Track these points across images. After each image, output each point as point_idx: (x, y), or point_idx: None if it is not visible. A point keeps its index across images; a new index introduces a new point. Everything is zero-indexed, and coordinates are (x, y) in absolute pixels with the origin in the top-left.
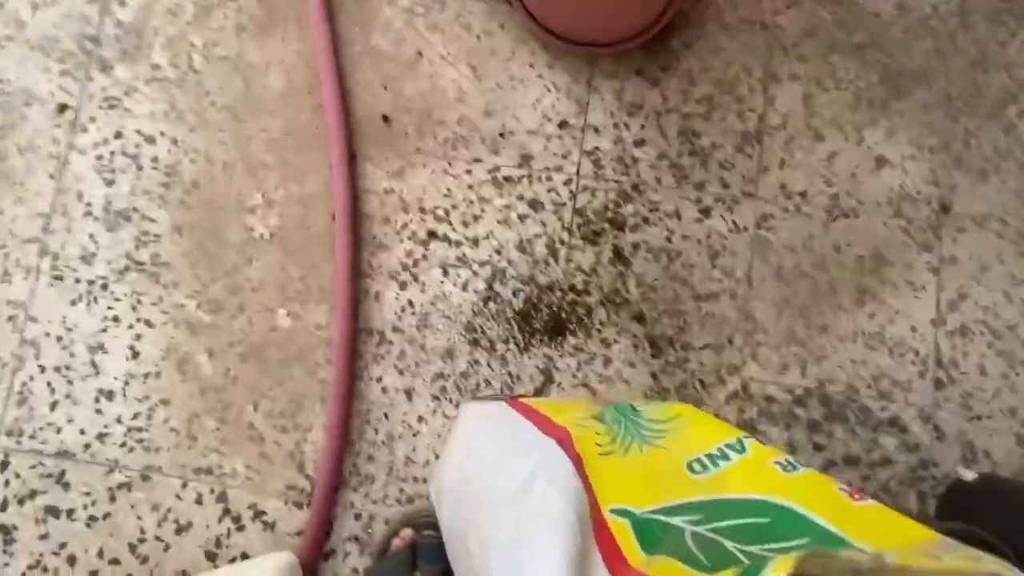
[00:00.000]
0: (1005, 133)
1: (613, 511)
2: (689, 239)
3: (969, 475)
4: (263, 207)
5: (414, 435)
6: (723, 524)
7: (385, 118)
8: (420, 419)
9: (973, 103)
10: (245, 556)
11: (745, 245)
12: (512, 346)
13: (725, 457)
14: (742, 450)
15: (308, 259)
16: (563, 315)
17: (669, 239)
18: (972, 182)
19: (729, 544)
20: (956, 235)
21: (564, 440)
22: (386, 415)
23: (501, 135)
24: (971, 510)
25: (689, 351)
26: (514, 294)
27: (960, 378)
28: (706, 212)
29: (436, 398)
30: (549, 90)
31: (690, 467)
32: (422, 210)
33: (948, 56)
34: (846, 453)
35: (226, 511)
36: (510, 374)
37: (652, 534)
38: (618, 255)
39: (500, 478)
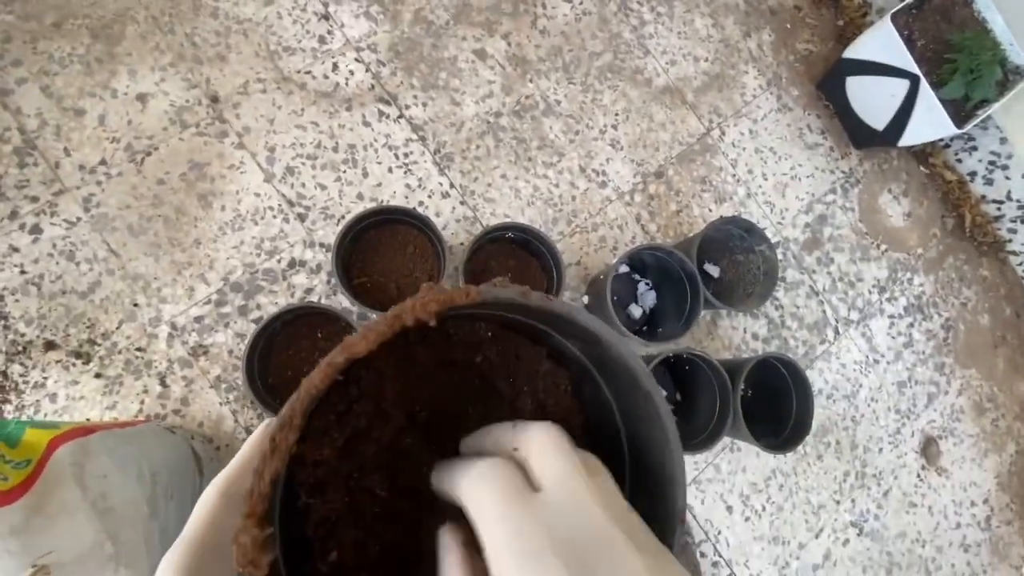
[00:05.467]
0: (213, 18)
1: None
2: (40, 260)
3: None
4: None
5: None
6: None
7: None
8: None
9: (176, 11)
10: None
11: (89, 230)
12: None
13: None
14: None
15: None
16: None
17: (24, 272)
18: (214, 66)
19: None
20: (236, 111)
21: None
22: None
23: None
24: None
25: (112, 337)
26: None
27: (311, 202)
28: (36, 229)
29: None
30: None
31: None
32: None
33: None
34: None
35: None
36: None
37: None
38: None
39: None
